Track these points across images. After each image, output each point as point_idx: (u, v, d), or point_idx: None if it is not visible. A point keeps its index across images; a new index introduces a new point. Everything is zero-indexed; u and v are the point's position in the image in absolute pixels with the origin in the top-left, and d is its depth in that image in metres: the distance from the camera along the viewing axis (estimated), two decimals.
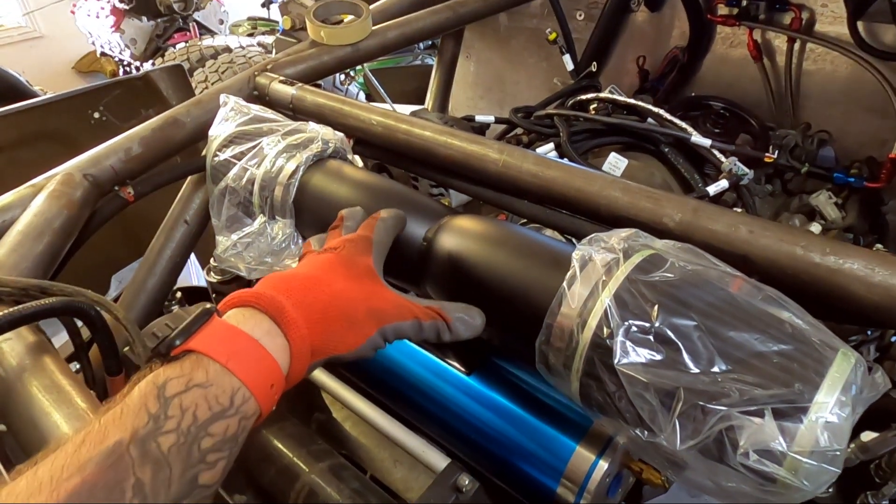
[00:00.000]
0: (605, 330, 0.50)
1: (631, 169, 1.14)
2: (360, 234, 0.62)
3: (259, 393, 0.44)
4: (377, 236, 0.62)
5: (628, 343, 0.48)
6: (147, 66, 4.32)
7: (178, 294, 1.22)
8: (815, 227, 1.07)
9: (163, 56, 4.06)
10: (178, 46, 3.76)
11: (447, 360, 0.79)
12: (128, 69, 4.69)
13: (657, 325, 0.48)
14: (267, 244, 0.82)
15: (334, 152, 0.87)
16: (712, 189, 1.05)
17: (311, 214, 0.82)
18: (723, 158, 1.12)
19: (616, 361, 0.47)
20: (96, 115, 1.83)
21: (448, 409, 0.77)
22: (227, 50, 3.47)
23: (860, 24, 1.26)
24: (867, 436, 0.71)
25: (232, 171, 0.88)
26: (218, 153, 0.92)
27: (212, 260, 0.98)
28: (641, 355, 0.47)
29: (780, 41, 1.45)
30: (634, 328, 0.48)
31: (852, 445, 0.69)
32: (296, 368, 0.49)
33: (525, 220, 0.94)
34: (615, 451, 0.66)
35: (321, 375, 0.82)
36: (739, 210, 1.07)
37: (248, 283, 0.96)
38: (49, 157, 1.01)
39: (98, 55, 5.00)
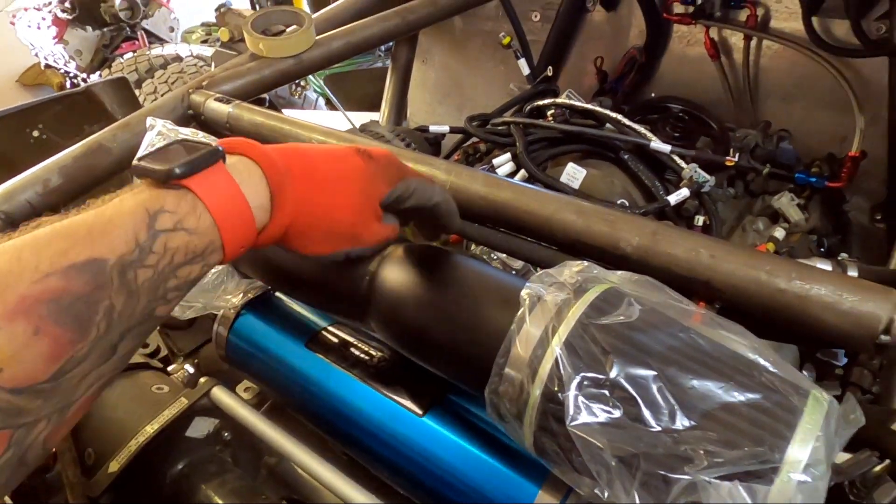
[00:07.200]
0: (556, 382, 0.45)
1: (590, 179, 1.10)
2: (400, 165, 0.59)
3: (230, 250, 0.46)
4: (411, 185, 0.59)
5: (581, 399, 0.43)
6: (95, 77, 4.13)
7: None
8: (780, 232, 1.05)
9: (110, 67, 3.89)
10: (125, 57, 3.60)
11: (400, 399, 0.74)
12: (75, 81, 4.48)
13: (612, 376, 0.43)
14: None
15: None
16: (673, 198, 1.01)
17: None
18: (683, 164, 1.09)
19: (568, 422, 0.42)
20: (35, 133, 1.74)
21: (401, 452, 0.72)
22: (178, 59, 3.32)
23: (815, 20, 1.24)
24: (840, 457, 0.68)
25: None
26: None
27: None
28: (596, 412, 0.42)
29: (736, 39, 1.42)
30: (587, 381, 0.44)
31: None
32: (263, 241, 0.50)
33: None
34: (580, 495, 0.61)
35: (261, 423, 0.75)
36: (702, 218, 1.04)
37: None
38: None
39: (42, 67, 4.77)
